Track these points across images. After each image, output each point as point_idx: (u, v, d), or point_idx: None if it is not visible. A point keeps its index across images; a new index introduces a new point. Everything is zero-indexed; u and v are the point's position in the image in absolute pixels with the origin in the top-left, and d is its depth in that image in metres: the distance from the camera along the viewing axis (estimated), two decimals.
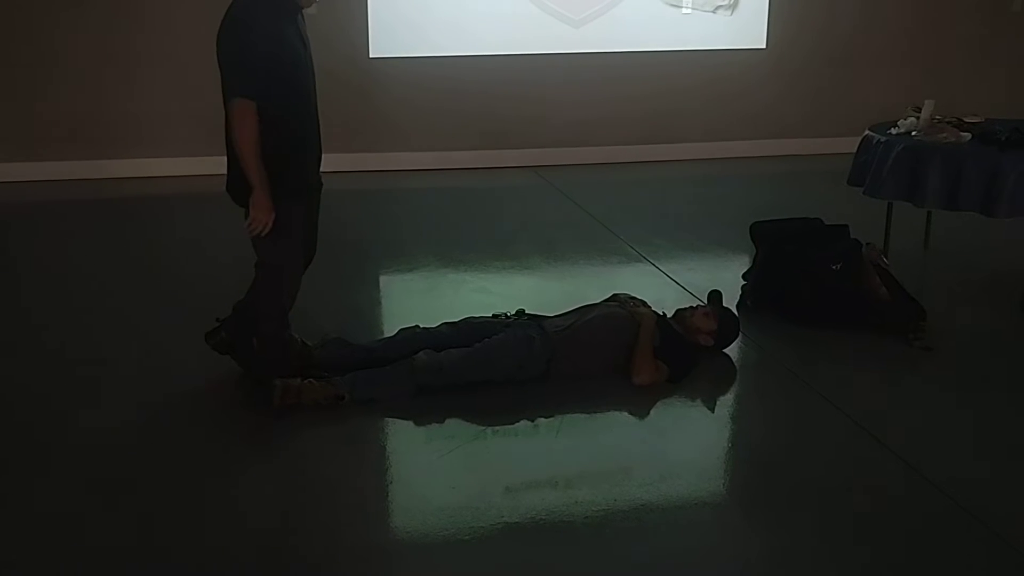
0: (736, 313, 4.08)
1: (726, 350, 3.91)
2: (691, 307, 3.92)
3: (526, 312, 3.81)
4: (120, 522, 2.75)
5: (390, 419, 3.41)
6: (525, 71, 7.32)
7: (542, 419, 3.36)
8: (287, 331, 3.53)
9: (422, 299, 4.55)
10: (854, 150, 5.02)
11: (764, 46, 7.77)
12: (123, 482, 2.96)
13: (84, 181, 6.72)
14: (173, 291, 4.61)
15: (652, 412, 3.46)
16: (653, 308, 3.86)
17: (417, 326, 3.74)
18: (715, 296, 4.02)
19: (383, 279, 4.79)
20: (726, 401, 3.67)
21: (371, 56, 7.02)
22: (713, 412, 3.58)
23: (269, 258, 3.39)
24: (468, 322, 3.76)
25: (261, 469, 3.11)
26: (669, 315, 3.89)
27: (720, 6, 7.62)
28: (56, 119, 6.77)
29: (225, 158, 3.30)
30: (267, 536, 2.71)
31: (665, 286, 4.72)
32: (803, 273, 4.24)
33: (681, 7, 7.53)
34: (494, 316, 3.80)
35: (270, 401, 3.29)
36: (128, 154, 6.91)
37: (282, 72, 3.15)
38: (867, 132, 4.92)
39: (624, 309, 3.78)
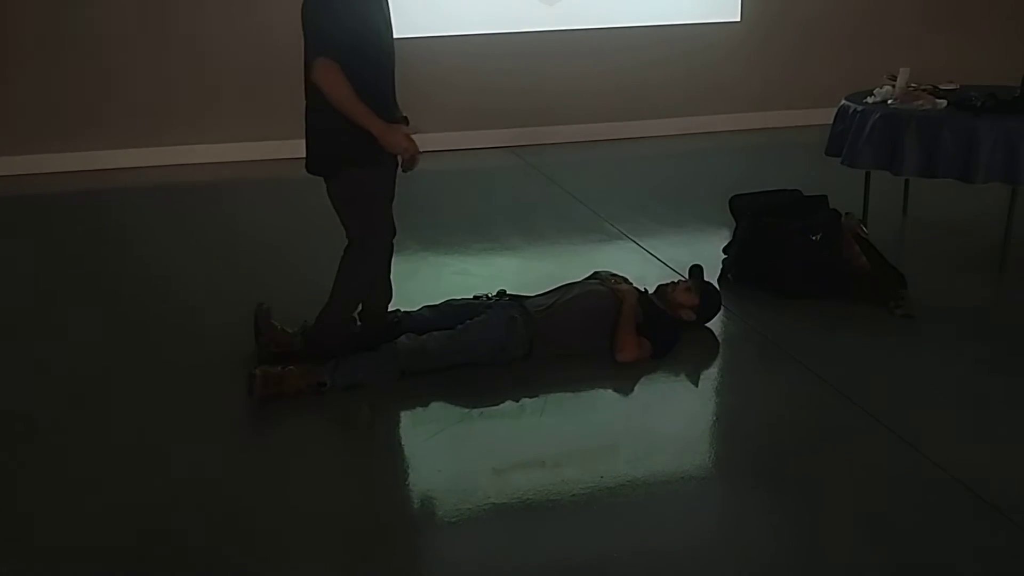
0: (717, 287, 4.08)
1: (708, 324, 3.91)
2: (672, 282, 3.92)
3: (507, 293, 3.80)
4: (110, 521, 2.73)
5: (374, 404, 3.39)
6: (499, 51, 7.28)
7: (526, 399, 3.35)
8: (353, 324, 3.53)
9: (403, 283, 4.48)
10: (831, 121, 5.02)
11: (739, 19, 7.75)
12: (99, 481, 2.93)
13: (63, 174, 6.65)
14: (159, 284, 4.58)
15: (636, 388, 3.46)
16: (634, 284, 3.85)
17: (398, 310, 3.72)
18: (696, 271, 4.01)
19: None
20: (709, 375, 3.67)
21: None
22: (697, 386, 3.58)
23: (360, 229, 3.37)
24: (449, 304, 3.74)
25: (245, 459, 3.08)
26: (651, 291, 3.89)
27: None
28: (33, 109, 6.69)
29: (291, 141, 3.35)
30: (255, 523, 2.69)
31: (646, 262, 4.72)
32: (783, 245, 4.25)
33: None
34: (475, 298, 3.79)
35: (249, 392, 3.26)
36: (108, 144, 6.83)
37: (363, 47, 3.15)
38: (843, 102, 4.92)
39: (605, 286, 3.77)
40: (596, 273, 4.00)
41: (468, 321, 3.52)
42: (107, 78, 6.78)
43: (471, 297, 3.80)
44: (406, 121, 3.46)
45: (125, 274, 4.75)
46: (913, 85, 4.78)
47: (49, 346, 3.91)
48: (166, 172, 6.78)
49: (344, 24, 3.11)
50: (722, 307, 3.95)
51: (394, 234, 3.50)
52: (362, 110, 3.15)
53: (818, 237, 4.20)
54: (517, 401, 3.34)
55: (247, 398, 3.26)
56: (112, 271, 4.80)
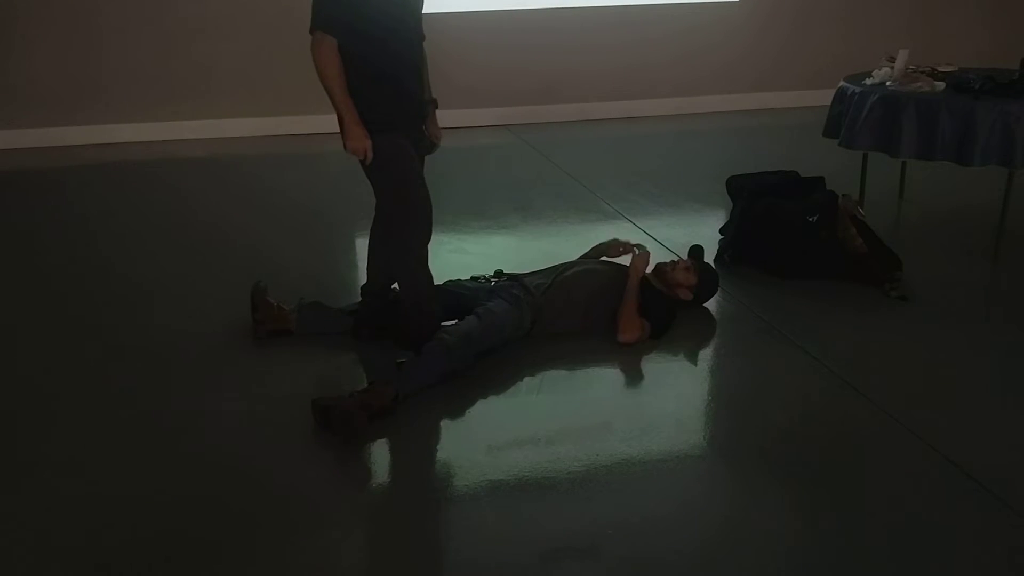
0: (715, 270, 4.06)
1: (705, 304, 3.92)
2: (672, 262, 3.92)
3: (504, 272, 3.79)
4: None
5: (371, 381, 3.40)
6: (496, 27, 7.24)
7: (523, 377, 3.35)
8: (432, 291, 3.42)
9: None
10: (829, 102, 5.01)
11: None
12: None
13: (41, 149, 6.60)
14: (163, 259, 4.57)
15: (632, 367, 3.47)
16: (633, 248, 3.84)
17: (395, 290, 3.70)
18: (697, 251, 4.01)
19: (359, 242, 4.74)
20: (705, 355, 3.69)
21: None
22: (692, 366, 3.59)
23: (390, 199, 3.27)
24: (447, 287, 3.69)
25: (244, 430, 3.08)
26: (649, 272, 3.89)
27: None
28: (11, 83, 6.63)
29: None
30: (251, 500, 2.70)
31: (643, 242, 4.70)
32: (780, 226, 4.25)
33: None
34: (472, 279, 3.76)
35: (331, 427, 2.94)
36: (88, 120, 6.78)
37: (368, 17, 3.07)
38: (842, 83, 4.91)
39: (607, 262, 3.78)
40: (597, 247, 4.00)
41: (488, 308, 3.44)
42: (106, 50, 6.72)
43: (468, 279, 3.77)
44: (435, 104, 3.41)
45: (132, 248, 4.74)
46: (912, 67, 4.77)
47: (51, 315, 3.91)
48: (166, 147, 6.74)
49: None
50: (719, 288, 3.96)
51: (430, 212, 3.34)
52: (339, 94, 3.09)
53: (815, 218, 4.21)
54: (514, 379, 3.34)
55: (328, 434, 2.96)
56: (115, 246, 4.79)
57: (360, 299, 3.65)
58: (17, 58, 6.57)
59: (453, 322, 3.42)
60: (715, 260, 4.32)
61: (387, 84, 3.18)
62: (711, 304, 3.95)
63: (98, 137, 6.76)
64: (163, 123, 6.88)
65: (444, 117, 7.67)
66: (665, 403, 3.25)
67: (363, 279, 3.67)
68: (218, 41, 6.85)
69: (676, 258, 4.06)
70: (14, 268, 4.53)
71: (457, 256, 4.51)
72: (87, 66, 6.71)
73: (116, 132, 6.81)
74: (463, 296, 3.58)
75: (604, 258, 3.93)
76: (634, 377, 3.44)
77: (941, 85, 4.55)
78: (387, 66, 3.17)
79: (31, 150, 6.59)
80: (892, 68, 4.72)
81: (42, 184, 6.01)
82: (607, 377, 3.44)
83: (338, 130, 3.21)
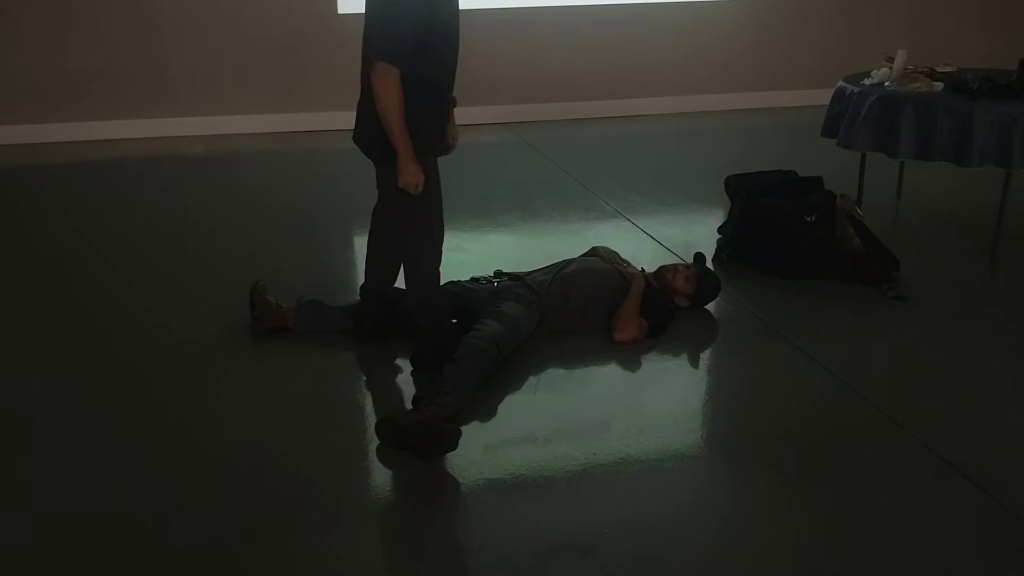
0: (718, 277, 3.99)
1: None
2: (674, 267, 3.90)
3: (503, 272, 3.78)
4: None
5: (371, 381, 3.41)
6: (495, 26, 7.23)
7: (521, 376, 3.35)
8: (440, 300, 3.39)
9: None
10: (828, 102, 5.01)
11: None
12: None
13: (28, 146, 6.59)
14: (159, 254, 4.56)
15: (630, 367, 3.47)
16: (635, 266, 3.85)
17: (396, 290, 3.69)
18: (699, 258, 3.99)
19: (357, 240, 4.74)
20: (703, 354, 3.69)
21: (340, 12, 6.90)
22: (690, 365, 3.60)
23: (409, 223, 3.22)
24: (447, 288, 3.67)
25: (243, 430, 3.08)
26: (649, 270, 3.89)
27: None
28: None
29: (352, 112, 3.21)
30: (251, 500, 2.70)
31: (641, 241, 4.72)
32: (778, 225, 4.26)
33: None
34: (473, 280, 3.75)
35: (411, 448, 2.84)
36: (78, 117, 6.76)
37: (429, 44, 3.01)
38: (840, 83, 4.91)
39: (607, 263, 3.78)
40: (595, 249, 4.00)
41: (501, 308, 3.43)
42: (98, 45, 6.71)
43: (468, 280, 3.75)
44: (454, 102, 3.35)
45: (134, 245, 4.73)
46: (910, 67, 4.77)
47: (45, 315, 3.90)
48: (159, 144, 6.72)
49: (412, 19, 2.95)
50: (718, 296, 3.93)
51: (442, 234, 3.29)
52: (400, 130, 3.02)
53: (813, 218, 4.21)
54: (512, 377, 3.34)
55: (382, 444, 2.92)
56: (111, 244, 4.79)
57: (359, 298, 3.65)
58: (3, 53, 6.54)
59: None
60: (713, 259, 4.32)
61: (430, 106, 3.12)
62: (710, 304, 3.95)
63: (90, 134, 6.73)
64: (156, 119, 6.85)
65: None
66: (663, 402, 3.25)
67: (361, 278, 3.66)
68: (212, 38, 6.83)
69: (679, 261, 4.05)
70: (13, 266, 4.52)
71: (456, 254, 4.49)
72: (81, 61, 6.68)
73: (108, 129, 6.78)
74: (463, 297, 3.58)
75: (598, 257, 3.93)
76: (632, 376, 3.44)
77: (939, 86, 4.56)
78: (435, 86, 3.11)
79: (18, 146, 6.56)
80: (891, 68, 4.72)
81: (32, 181, 5.98)
82: (605, 376, 3.44)
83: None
